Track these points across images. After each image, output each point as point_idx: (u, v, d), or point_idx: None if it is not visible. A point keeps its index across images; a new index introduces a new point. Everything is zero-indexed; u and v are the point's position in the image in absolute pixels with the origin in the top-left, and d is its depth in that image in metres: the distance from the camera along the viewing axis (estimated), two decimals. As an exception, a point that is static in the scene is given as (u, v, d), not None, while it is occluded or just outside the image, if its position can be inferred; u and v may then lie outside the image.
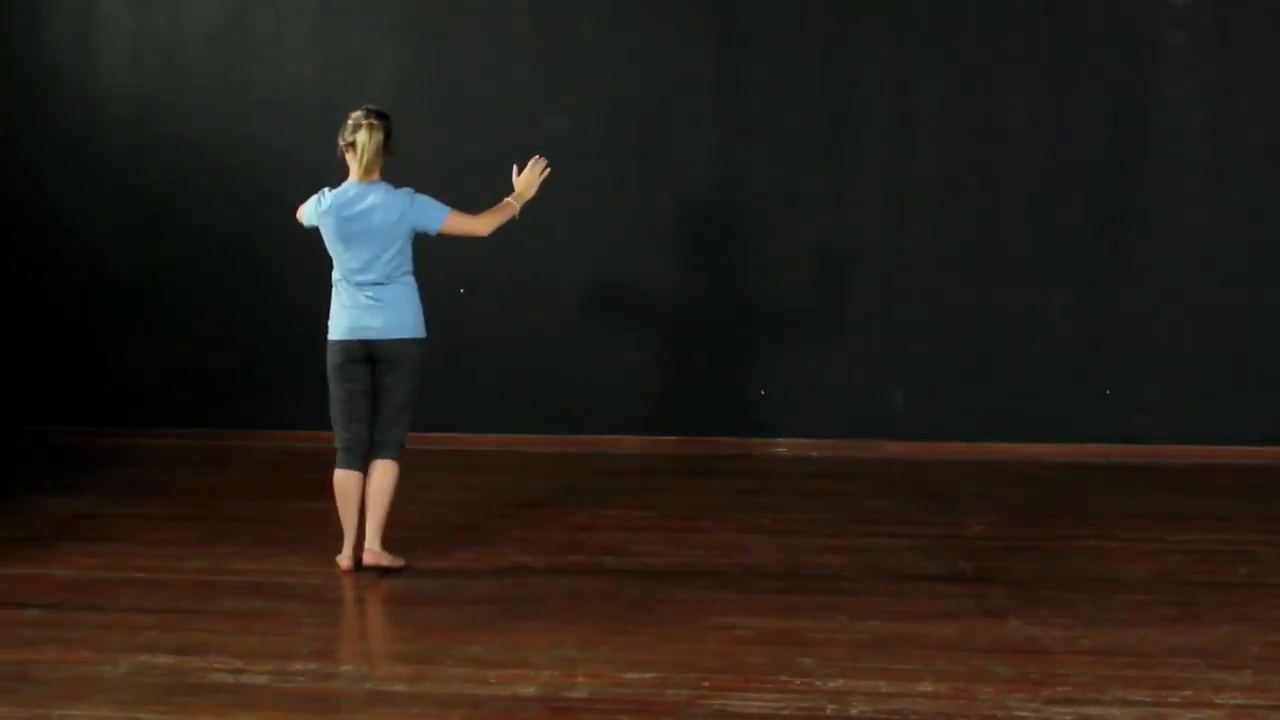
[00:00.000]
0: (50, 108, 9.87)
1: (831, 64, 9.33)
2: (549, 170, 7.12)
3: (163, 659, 5.76)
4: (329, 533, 7.05)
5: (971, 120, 9.25)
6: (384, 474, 6.78)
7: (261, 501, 8.35)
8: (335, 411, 6.83)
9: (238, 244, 9.77)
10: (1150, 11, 9.10)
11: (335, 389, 6.81)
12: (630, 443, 9.56)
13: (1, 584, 6.79)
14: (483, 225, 6.96)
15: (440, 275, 9.14)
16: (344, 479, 6.81)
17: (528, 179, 7.10)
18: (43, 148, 9.92)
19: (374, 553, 6.76)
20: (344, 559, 6.80)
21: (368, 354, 6.74)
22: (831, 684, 5.43)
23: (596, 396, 9.66)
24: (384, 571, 6.78)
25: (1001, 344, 9.33)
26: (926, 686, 5.41)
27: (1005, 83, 9.19)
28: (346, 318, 6.73)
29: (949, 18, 9.23)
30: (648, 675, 5.54)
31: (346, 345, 6.73)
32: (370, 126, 6.62)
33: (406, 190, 6.74)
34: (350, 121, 6.68)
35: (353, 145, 6.66)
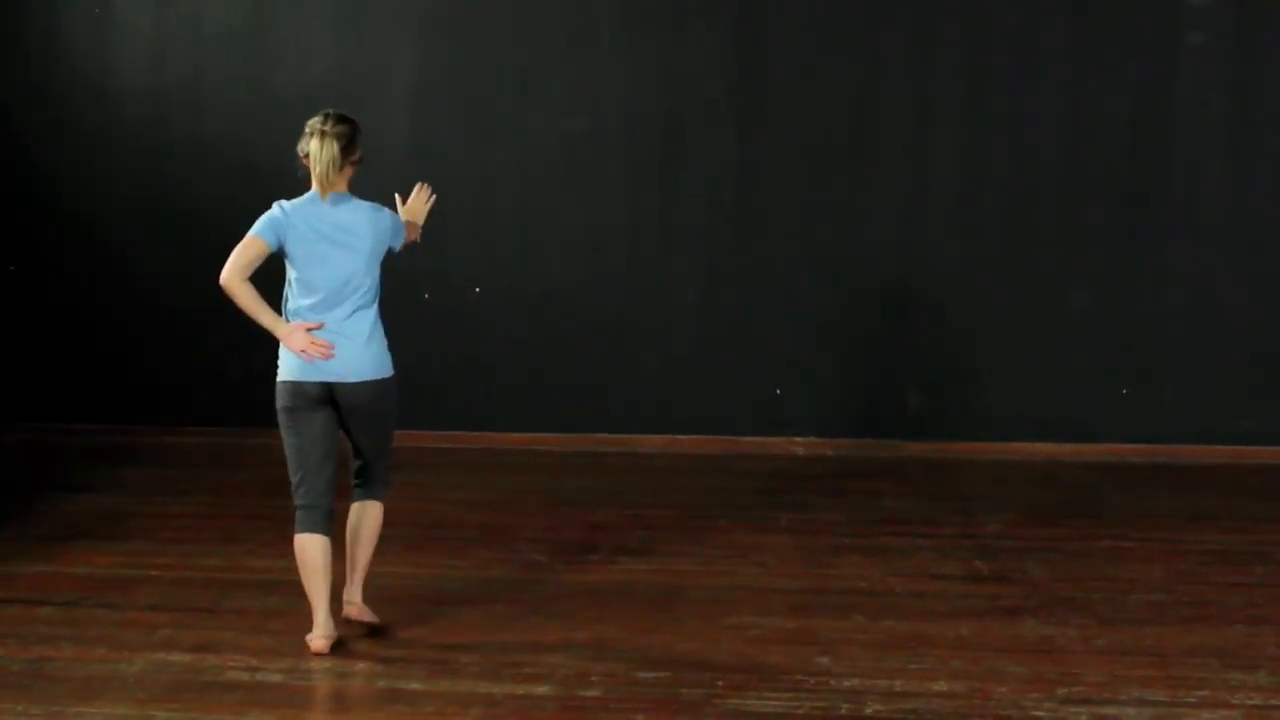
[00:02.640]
0: (68, 108, 9.89)
1: (851, 64, 9.31)
2: (435, 197, 6.55)
3: (178, 656, 5.78)
4: (344, 532, 7.05)
5: (991, 120, 9.23)
6: (372, 515, 6.07)
7: (279, 500, 8.25)
8: (291, 464, 5.89)
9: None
10: (1170, 11, 9.07)
11: (288, 438, 5.85)
12: (648, 442, 9.56)
13: (19, 581, 6.81)
14: (412, 231, 6.33)
15: (457, 276, 9.23)
16: (305, 544, 5.87)
17: (416, 207, 6.46)
18: (62, 148, 9.94)
19: (358, 606, 6.08)
20: (316, 638, 5.81)
21: (329, 397, 5.81)
22: (847, 683, 5.44)
23: (614, 396, 9.66)
24: (369, 629, 6.10)
25: (1020, 343, 9.32)
26: (942, 685, 5.41)
27: (1025, 83, 9.17)
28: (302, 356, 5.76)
29: (969, 18, 9.20)
30: (663, 674, 5.55)
31: (301, 387, 5.77)
32: (324, 135, 5.74)
33: (378, 205, 5.98)
34: (306, 130, 5.82)
35: (308, 156, 5.82)
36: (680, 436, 9.58)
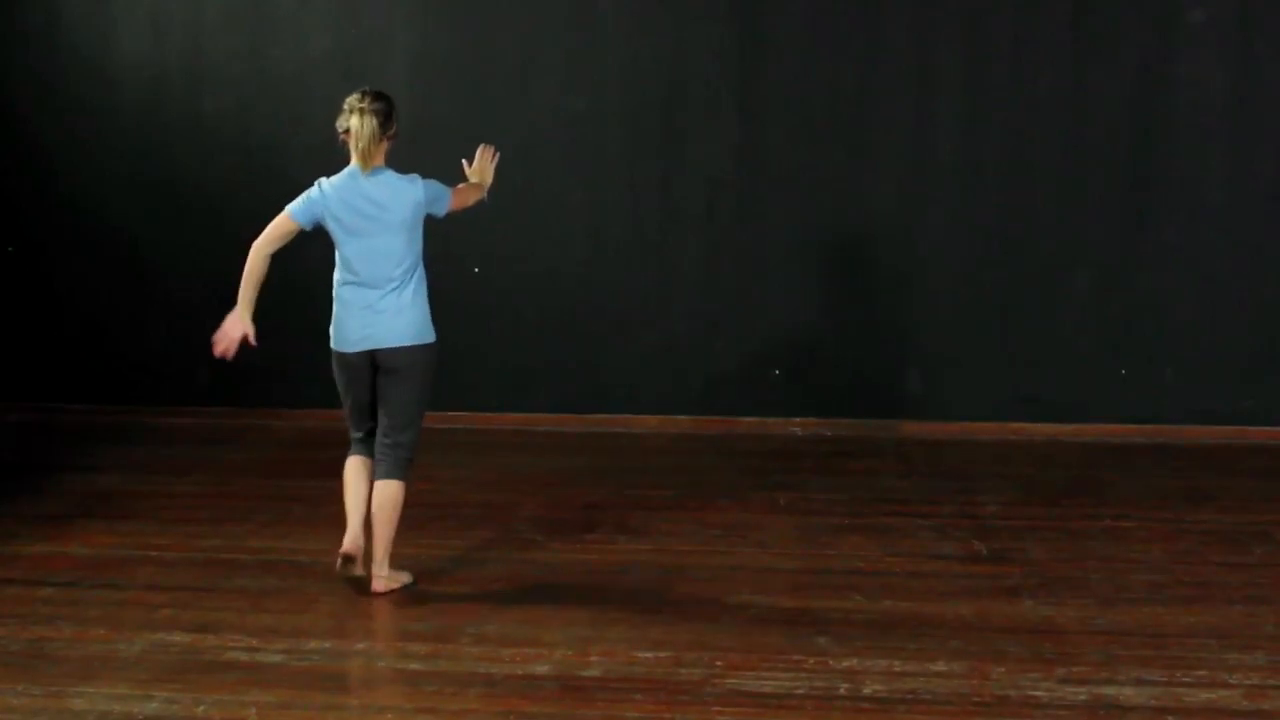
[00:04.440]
0: (67, 87, 9.86)
1: (852, 43, 9.28)
2: (498, 154, 6.82)
3: (178, 637, 5.80)
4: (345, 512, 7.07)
5: (992, 100, 9.21)
6: (386, 493, 6.28)
7: (279, 480, 8.37)
8: (346, 413, 6.45)
9: (256, 222, 9.69)
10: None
11: (343, 395, 6.39)
12: (646, 422, 9.55)
13: (19, 562, 6.82)
14: (477, 191, 6.67)
15: (457, 255, 9.21)
16: (346, 465, 6.39)
17: (482, 168, 6.77)
18: (61, 128, 9.92)
19: (381, 578, 6.31)
20: (345, 543, 6.21)
21: (374, 363, 6.25)
22: (845, 663, 5.45)
23: (613, 376, 9.65)
24: (399, 589, 6.38)
25: (1020, 323, 9.30)
26: (940, 666, 5.42)
27: (1025, 63, 9.14)
28: (352, 326, 6.23)
29: (970, 2, 9.18)
30: (662, 654, 5.56)
31: (345, 357, 6.28)
32: (363, 112, 6.06)
33: (414, 175, 6.27)
34: (345, 107, 6.13)
35: (349, 132, 6.12)
36: (679, 417, 9.58)
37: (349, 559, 6.16)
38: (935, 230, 9.32)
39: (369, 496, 6.30)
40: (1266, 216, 9.06)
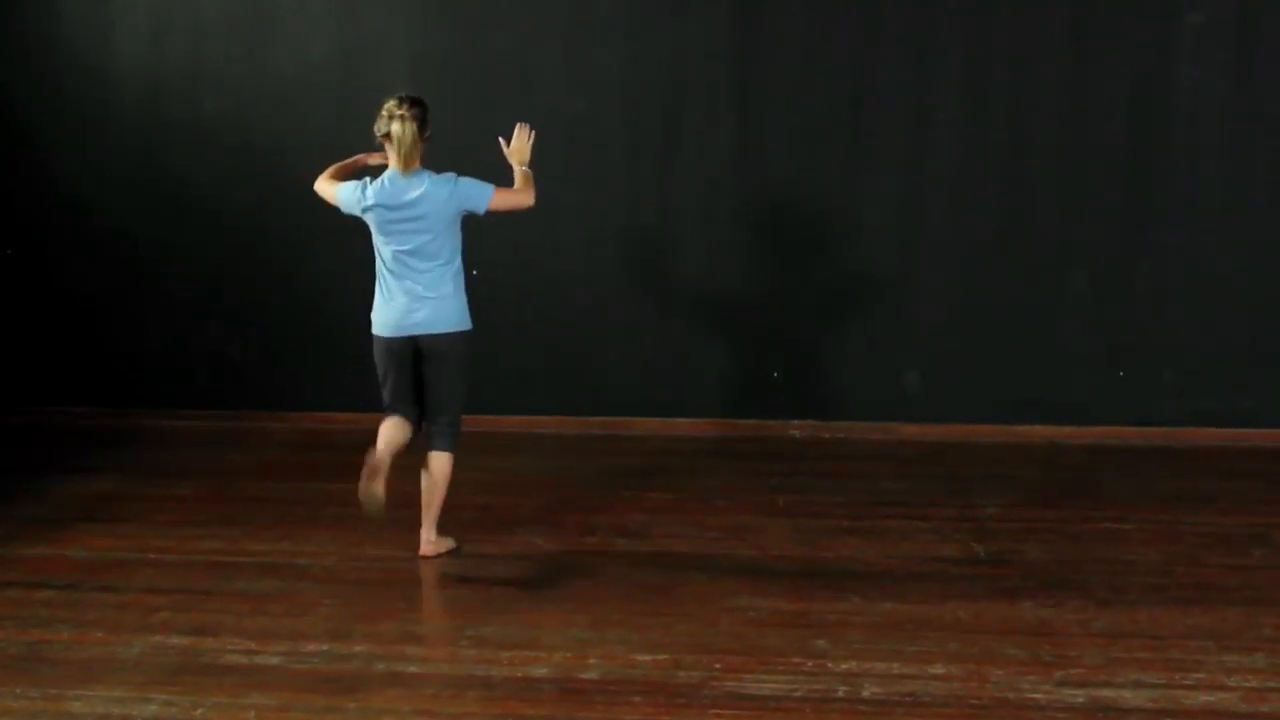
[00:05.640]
0: (66, 88, 9.86)
1: (850, 44, 9.27)
2: (535, 132, 7.11)
3: (176, 640, 5.80)
4: (345, 514, 7.08)
5: (991, 102, 9.20)
6: (439, 466, 6.74)
7: (277, 483, 8.37)
8: (385, 394, 6.77)
9: (256, 225, 9.76)
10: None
11: (383, 379, 6.75)
12: (645, 424, 9.55)
13: (17, 564, 6.82)
14: (527, 195, 6.92)
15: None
16: (387, 421, 6.67)
17: (519, 146, 7.07)
18: (60, 130, 9.92)
19: (430, 543, 6.82)
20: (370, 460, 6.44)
21: (414, 349, 6.66)
22: (844, 666, 5.46)
23: (613, 379, 9.65)
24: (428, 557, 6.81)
25: (1018, 325, 9.30)
26: (939, 668, 5.42)
27: (1024, 63, 9.13)
28: (391, 313, 6.63)
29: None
30: (660, 656, 5.56)
31: (389, 343, 6.66)
32: (403, 118, 6.44)
33: (449, 174, 6.62)
34: (384, 113, 6.50)
35: (389, 136, 6.50)
36: (677, 419, 9.58)
37: (375, 470, 6.37)
38: (934, 231, 9.32)
39: (403, 441, 6.66)
40: (1265, 218, 9.06)
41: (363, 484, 6.36)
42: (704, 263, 9.51)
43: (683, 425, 9.54)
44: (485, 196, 6.68)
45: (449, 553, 6.85)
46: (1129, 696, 5.16)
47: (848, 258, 9.39)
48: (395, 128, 6.45)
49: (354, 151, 7.04)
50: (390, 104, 6.52)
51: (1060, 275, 9.24)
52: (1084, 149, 9.14)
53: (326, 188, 6.80)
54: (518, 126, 7.07)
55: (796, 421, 9.50)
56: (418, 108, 6.54)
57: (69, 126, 9.89)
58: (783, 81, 9.33)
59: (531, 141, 7.08)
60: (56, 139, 9.93)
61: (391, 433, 6.65)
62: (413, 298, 6.60)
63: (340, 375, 9.37)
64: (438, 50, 9.55)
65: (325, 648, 5.73)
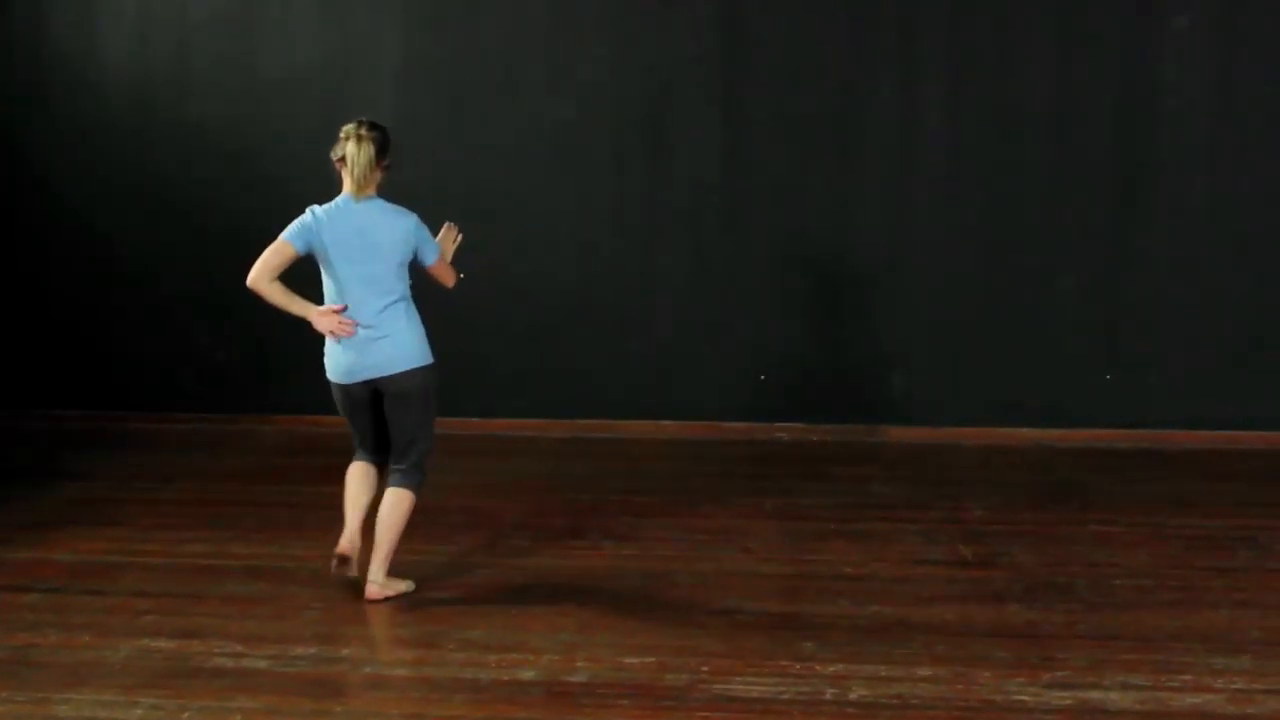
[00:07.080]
0: (54, 94, 9.85)
1: (837, 48, 9.28)
2: (461, 235, 6.79)
3: (163, 643, 5.79)
4: (332, 517, 7.04)
5: (978, 105, 9.22)
6: (392, 502, 6.33)
7: (265, 486, 8.36)
8: (352, 433, 6.52)
9: (243, 228, 9.68)
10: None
11: (347, 422, 6.46)
12: (633, 427, 9.55)
13: (4, 568, 6.81)
14: (452, 278, 6.65)
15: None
16: (352, 469, 6.45)
17: (445, 239, 6.68)
18: (47, 134, 9.92)
19: (376, 584, 6.32)
20: (340, 542, 6.27)
21: (372, 391, 6.28)
22: (831, 668, 5.46)
23: (601, 382, 9.66)
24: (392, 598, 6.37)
25: (1006, 328, 9.32)
26: (926, 670, 5.43)
27: (1011, 66, 9.15)
28: (345, 358, 6.21)
29: (955, 2, 9.18)
30: (648, 660, 5.56)
31: (346, 390, 6.29)
32: (359, 138, 6.11)
33: (406, 210, 6.27)
34: (341, 134, 6.16)
35: (344, 159, 6.16)
36: (665, 422, 9.58)
37: (343, 559, 6.21)
38: (921, 235, 9.33)
39: (369, 502, 6.41)
40: (1253, 221, 9.08)
41: (334, 566, 6.25)
42: (691, 265, 9.52)
43: (670, 428, 9.55)
44: (436, 253, 6.43)
45: (398, 596, 6.35)
46: (1116, 698, 5.17)
47: (835, 261, 9.40)
48: (350, 148, 6.12)
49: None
50: (348, 126, 6.19)
51: (1048, 278, 9.26)
52: (1072, 153, 9.15)
53: (263, 261, 6.19)
54: (445, 226, 6.72)
55: (783, 424, 9.51)
56: (377, 131, 6.19)
57: (57, 131, 9.89)
58: (770, 86, 9.34)
59: (456, 244, 6.74)
60: (44, 143, 9.93)
61: (356, 492, 6.40)
62: (363, 343, 6.16)
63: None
64: (424, 56, 9.56)
65: (313, 651, 5.72)
